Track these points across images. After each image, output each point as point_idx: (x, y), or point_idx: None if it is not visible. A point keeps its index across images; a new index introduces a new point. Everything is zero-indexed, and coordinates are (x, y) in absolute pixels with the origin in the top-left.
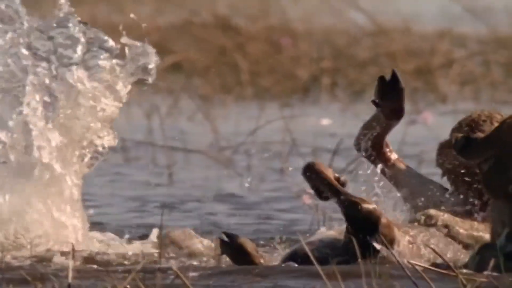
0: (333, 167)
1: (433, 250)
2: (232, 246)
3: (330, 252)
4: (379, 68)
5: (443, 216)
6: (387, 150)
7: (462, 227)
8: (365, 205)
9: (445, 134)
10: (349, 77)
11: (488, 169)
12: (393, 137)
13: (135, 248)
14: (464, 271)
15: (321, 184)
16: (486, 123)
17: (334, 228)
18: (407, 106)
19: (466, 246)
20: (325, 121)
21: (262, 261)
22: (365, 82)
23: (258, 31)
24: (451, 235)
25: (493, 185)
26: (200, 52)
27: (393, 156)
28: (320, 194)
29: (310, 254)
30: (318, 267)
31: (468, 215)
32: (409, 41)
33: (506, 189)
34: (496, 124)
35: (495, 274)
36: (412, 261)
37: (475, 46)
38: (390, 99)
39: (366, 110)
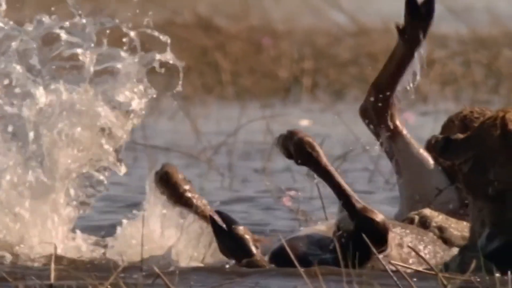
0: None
1: (413, 249)
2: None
3: (318, 250)
4: (360, 69)
5: (438, 218)
6: (395, 111)
7: (456, 228)
8: (377, 219)
9: (426, 134)
10: (330, 77)
11: (468, 170)
12: (371, 135)
13: (116, 247)
14: (445, 272)
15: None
16: (479, 120)
17: (324, 222)
18: None
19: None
20: (306, 121)
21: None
22: (346, 82)
23: (239, 31)
24: (445, 237)
25: (473, 186)
26: (181, 51)
27: (399, 123)
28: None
29: (291, 254)
30: (299, 268)
31: (460, 213)
32: (390, 41)
33: (486, 189)
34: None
35: (476, 275)
36: (394, 262)
37: (456, 46)
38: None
39: (347, 110)
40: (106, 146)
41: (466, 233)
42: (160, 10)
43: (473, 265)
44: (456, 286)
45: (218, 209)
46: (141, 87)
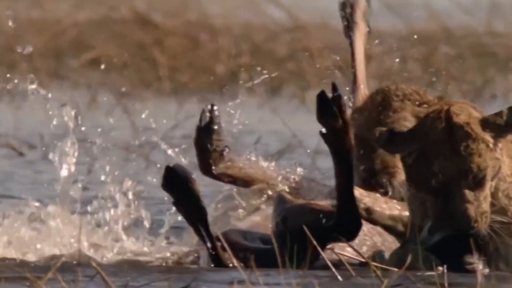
0: (251, 161)
1: (351, 246)
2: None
3: (261, 244)
4: (297, 64)
5: (366, 199)
6: None
7: (385, 208)
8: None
9: None
10: (267, 73)
11: (412, 162)
12: (312, 132)
13: (54, 244)
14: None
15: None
16: (399, 97)
17: (259, 213)
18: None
19: (387, 228)
20: (243, 117)
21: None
22: (283, 78)
23: (177, 27)
24: (373, 219)
25: (416, 178)
26: (118, 47)
27: None
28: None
29: (228, 250)
30: (236, 262)
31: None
32: (327, 36)
33: (429, 182)
34: (408, 103)
35: (416, 268)
36: (336, 251)
37: (392, 41)
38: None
39: (284, 106)
40: None
41: (392, 212)
42: (97, 6)
43: (409, 259)
44: (394, 279)
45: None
46: None
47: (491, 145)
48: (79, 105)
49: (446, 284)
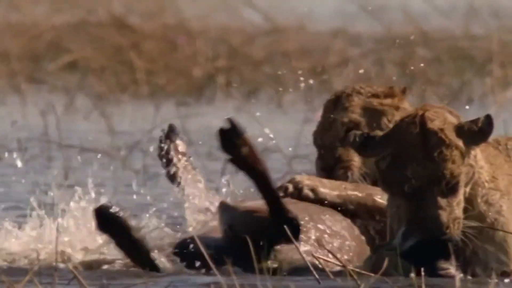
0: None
1: (329, 251)
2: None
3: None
4: (274, 67)
5: (308, 181)
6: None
7: (330, 187)
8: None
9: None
10: (244, 76)
11: (386, 167)
12: (288, 136)
13: (31, 248)
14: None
15: None
16: (352, 97)
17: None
18: (303, 105)
19: (336, 207)
20: (220, 120)
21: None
22: (260, 81)
23: (154, 30)
24: (319, 198)
25: (390, 182)
26: (95, 50)
27: None
28: None
29: (205, 253)
30: (213, 267)
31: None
32: (304, 40)
33: (403, 186)
34: (359, 96)
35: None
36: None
37: (369, 44)
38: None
39: (261, 109)
40: None
41: (343, 192)
42: (75, 9)
43: (385, 264)
44: (370, 283)
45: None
46: None
47: (464, 151)
48: (56, 108)
49: (423, 287)
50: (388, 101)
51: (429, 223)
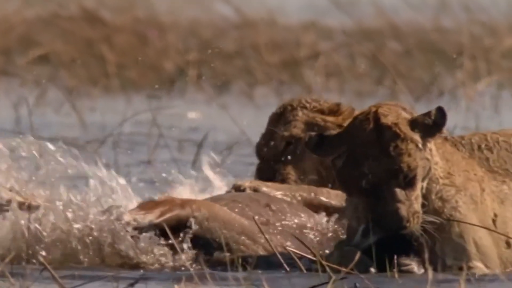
0: (199, 159)
1: (302, 242)
2: None
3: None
4: (245, 60)
5: (250, 183)
6: None
7: (273, 188)
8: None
9: None
10: (215, 69)
11: (342, 165)
12: (260, 129)
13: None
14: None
15: None
16: (296, 110)
17: None
18: (274, 98)
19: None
20: (191, 114)
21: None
22: (231, 74)
23: (125, 23)
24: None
25: (347, 181)
26: (66, 44)
27: None
28: None
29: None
30: (186, 261)
31: None
32: (274, 33)
33: (360, 183)
34: (303, 111)
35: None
36: (288, 248)
37: (340, 38)
38: None
39: (232, 102)
40: None
41: (288, 191)
42: (46, 3)
43: (357, 256)
44: (342, 274)
45: None
46: None
47: (420, 145)
48: (28, 101)
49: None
50: (331, 118)
51: (388, 218)
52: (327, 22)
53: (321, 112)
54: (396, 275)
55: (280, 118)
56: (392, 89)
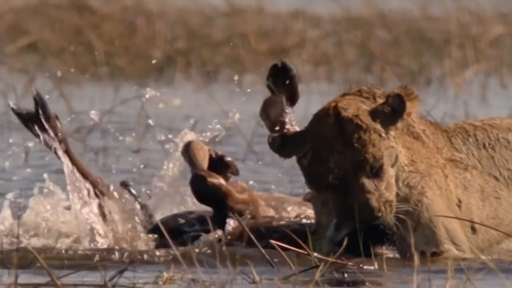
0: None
1: (290, 234)
2: None
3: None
4: (233, 49)
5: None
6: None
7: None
8: (211, 179)
9: (299, 114)
10: (204, 58)
11: (308, 163)
12: (248, 117)
13: None
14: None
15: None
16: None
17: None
18: (262, 86)
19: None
20: (179, 101)
21: None
22: (219, 62)
23: (113, 12)
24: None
25: (315, 178)
26: (54, 32)
27: None
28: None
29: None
30: (174, 248)
31: None
32: (262, 21)
33: (327, 178)
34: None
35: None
36: (273, 241)
37: (328, 26)
38: (283, 86)
39: (220, 91)
40: None
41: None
42: None
43: (345, 243)
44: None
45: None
46: None
47: (383, 134)
48: (16, 89)
49: (384, 264)
50: None
51: (359, 210)
52: (315, 10)
53: None
54: (385, 266)
55: None
56: (380, 77)
